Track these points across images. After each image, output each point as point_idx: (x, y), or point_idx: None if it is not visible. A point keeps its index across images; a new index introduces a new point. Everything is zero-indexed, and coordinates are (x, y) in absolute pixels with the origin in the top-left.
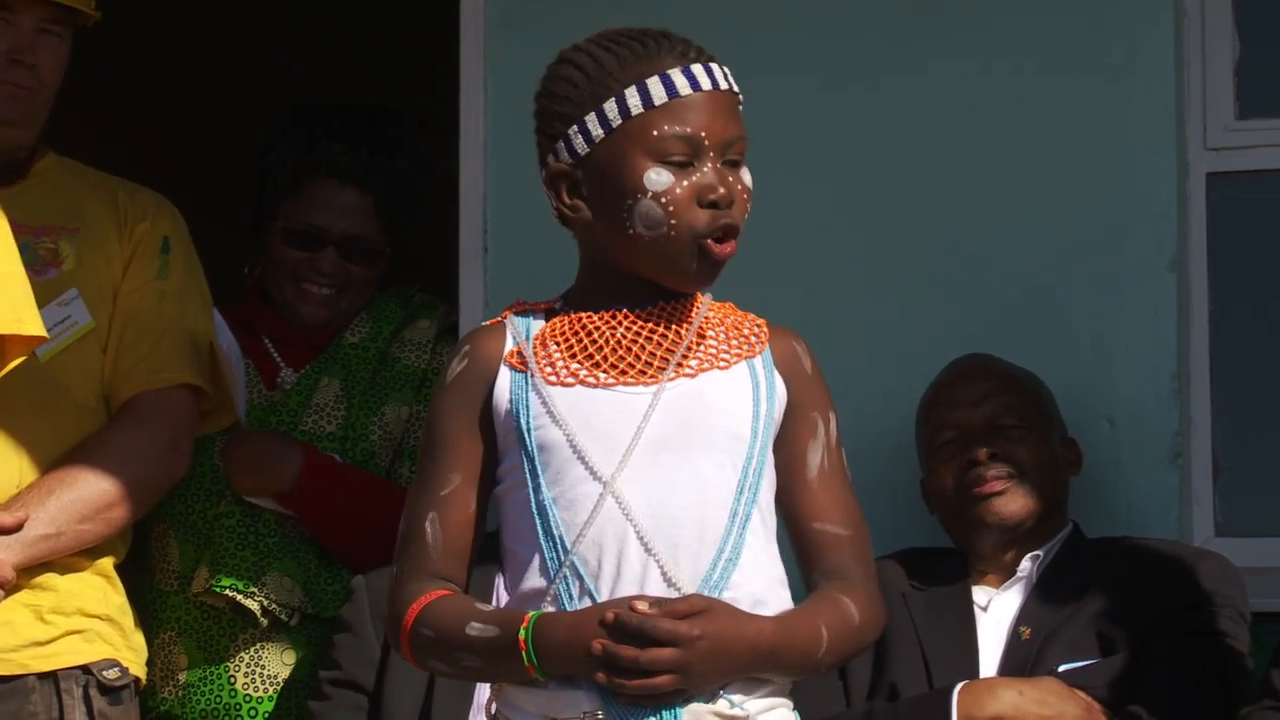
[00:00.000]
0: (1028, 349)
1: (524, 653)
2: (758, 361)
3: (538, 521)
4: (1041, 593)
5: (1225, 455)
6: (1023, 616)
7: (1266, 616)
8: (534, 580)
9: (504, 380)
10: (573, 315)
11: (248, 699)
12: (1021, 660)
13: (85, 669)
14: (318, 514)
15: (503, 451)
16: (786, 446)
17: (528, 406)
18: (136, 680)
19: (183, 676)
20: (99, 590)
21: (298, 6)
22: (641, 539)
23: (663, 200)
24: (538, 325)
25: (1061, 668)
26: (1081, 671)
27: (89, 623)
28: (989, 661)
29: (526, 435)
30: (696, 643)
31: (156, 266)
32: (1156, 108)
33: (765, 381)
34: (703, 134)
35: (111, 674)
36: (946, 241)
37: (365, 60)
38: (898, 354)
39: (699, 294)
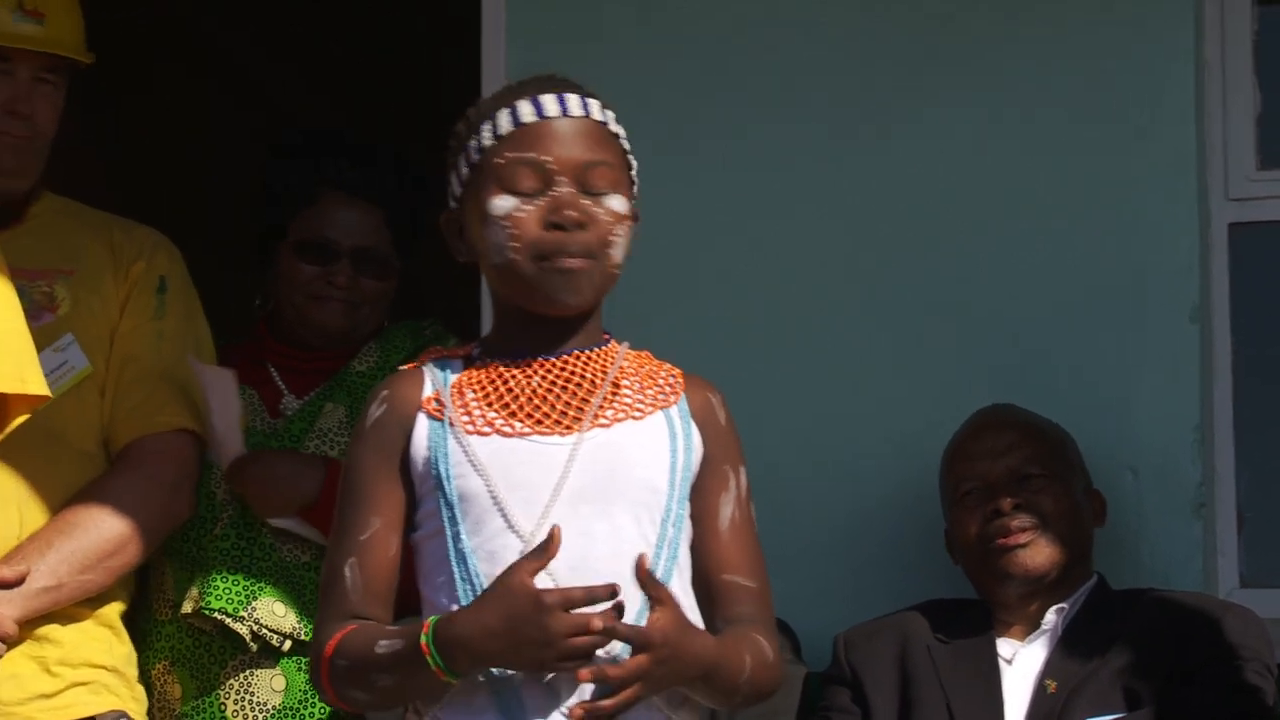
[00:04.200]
0: (1050, 400)
1: (428, 657)
2: (674, 411)
3: (457, 571)
4: (1067, 645)
5: (1249, 506)
6: (1048, 669)
7: None
8: None
9: (422, 427)
10: (489, 364)
11: None
12: (1047, 714)
13: None
14: None
15: (420, 497)
16: (699, 498)
17: (447, 454)
18: None
19: (178, 707)
20: (104, 641)
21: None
22: None
23: (504, 224)
24: (455, 372)
25: None
26: None
27: (95, 674)
28: (1014, 715)
29: (446, 483)
30: (661, 649)
31: (153, 307)
32: (1177, 158)
33: (682, 432)
34: (548, 159)
35: None
36: (968, 291)
37: (387, 115)
38: (919, 405)
39: (614, 342)
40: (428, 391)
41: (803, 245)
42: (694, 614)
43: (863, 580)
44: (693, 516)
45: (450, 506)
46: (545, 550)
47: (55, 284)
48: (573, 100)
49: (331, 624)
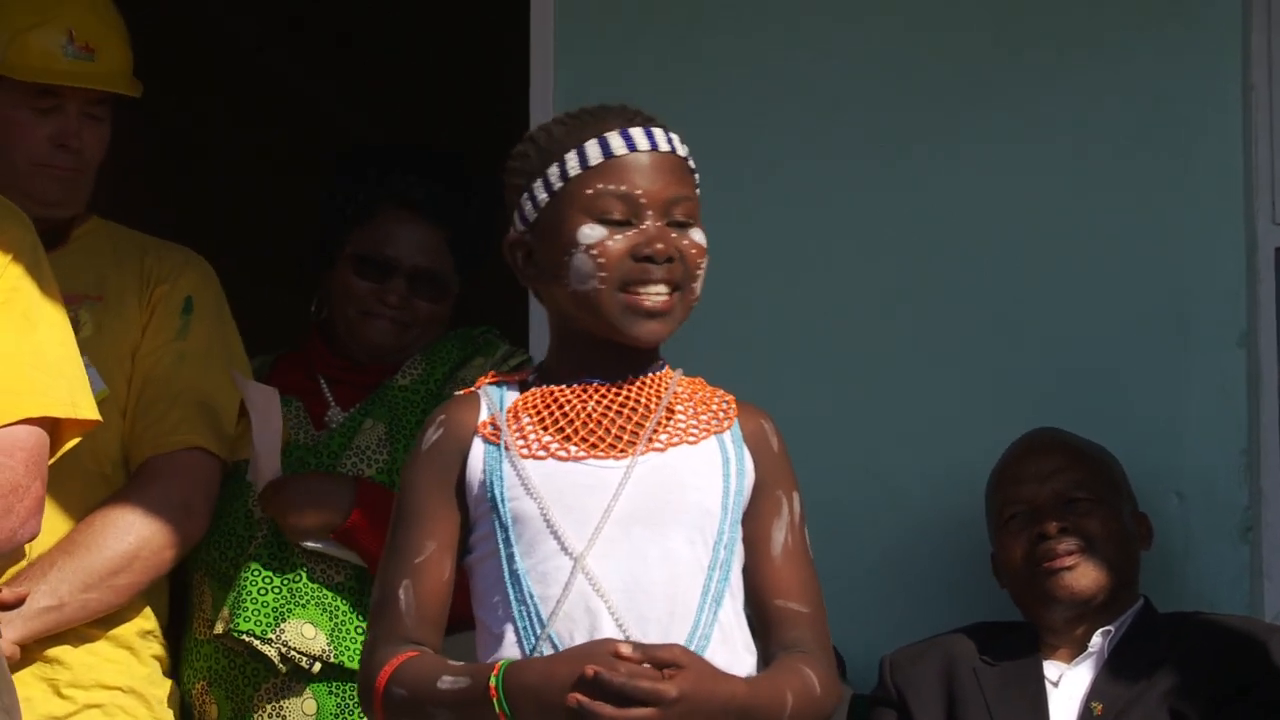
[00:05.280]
0: (1097, 424)
1: (495, 700)
2: (727, 437)
3: (511, 592)
4: (1113, 668)
5: None
6: (1094, 692)
7: None
8: (510, 652)
9: (477, 451)
10: (545, 388)
11: None
12: None
13: None
14: (378, 545)
15: (475, 521)
16: (752, 523)
17: (501, 478)
18: None
19: None
20: (120, 662)
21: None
22: (614, 614)
23: (593, 253)
24: (511, 396)
25: None
26: None
27: (109, 695)
28: None
29: (501, 506)
30: (674, 704)
31: (176, 328)
32: (1224, 182)
33: (735, 457)
34: (638, 193)
35: None
36: (1015, 315)
37: (430, 127)
38: (966, 429)
39: (668, 368)
40: (484, 416)
41: (849, 276)
42: (744, 641)
43: (909, 603)
44: (746, 542)
45: (505, 529)
46: (653, 652)
47: (81, 309)
48: (660, 135)
49: (386, 647)
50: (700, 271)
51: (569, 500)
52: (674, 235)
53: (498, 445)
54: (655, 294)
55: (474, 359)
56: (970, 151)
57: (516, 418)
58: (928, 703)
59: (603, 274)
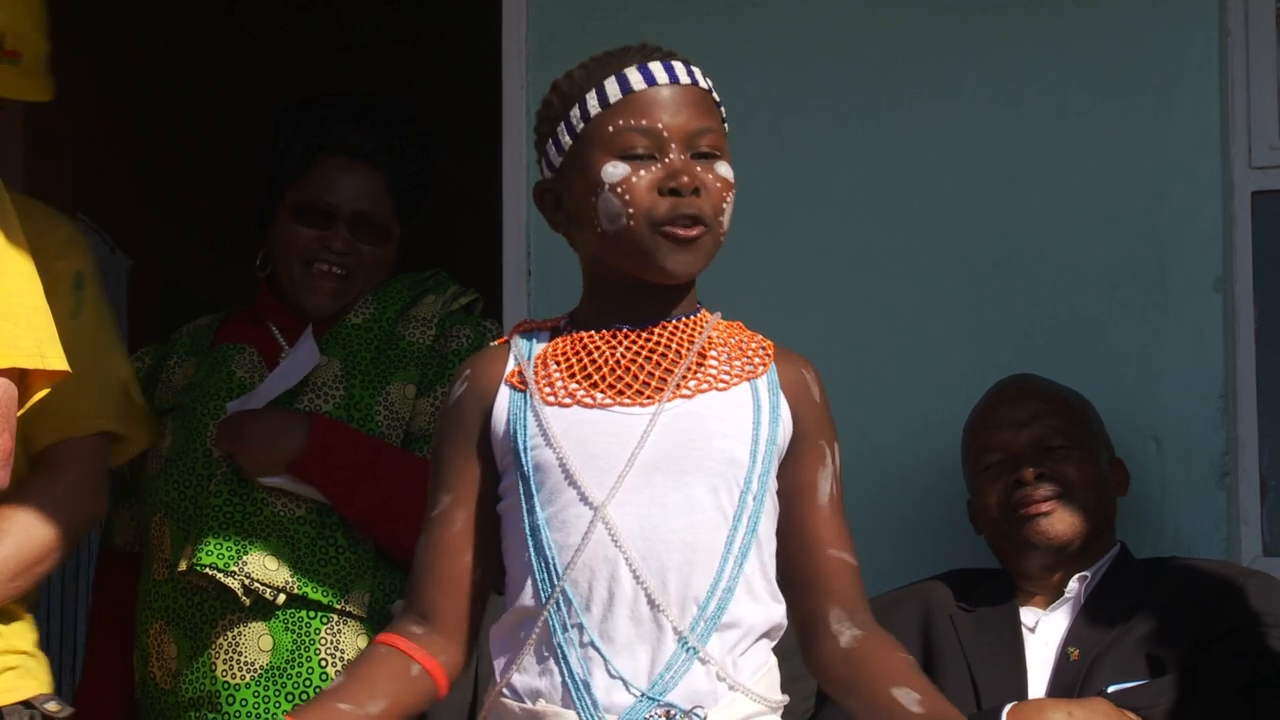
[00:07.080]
0: (1074, 370)
1: None
2: (761, 383)
3: (530, 542)
4: (1090, 613)
5: (1272, 475)
6: (1071, 637)
7: None
8: (526, 601)
9: (503, 400)
10: (575, 335)
11: (226, 685)
12: (1070, 681)
13: (28, 704)
14: (335, 478)
15: (503, 470)
16: (795, 474)
17: (525, 426)
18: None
19: (174, 665)
20: (23, 630)
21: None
22: (630, 564)
23: (619, 190)
24: (541, 345)
25: (1111, 689)
26: (1131, 692)
27: (21, 659)
28: (1037, 682)
29: (523, 455)
30: None
31: (70, 306)
32: (1201, 127)
33: (768, 404)
34: (660, 126)
35: (52, 706)
36: (990, 263)
37: (406, 87)
38: (943, 376)
39: (705, 312)
40: (511, 365)
41: (826, 225)
42: (772, 596)
43: (886, 551)
44: (790, 491)
45: (525, 478)
46: None
47: None
48: (679, 68)
49: (397, 618)
50: (727, 205)
51: (591, 448)
52: (699, 169)
53: (524, 393)
54: (685, 227)
55: (425, 297)
56: (945, 98)
57: (545, 365)
58: None
59: (631, 210)
